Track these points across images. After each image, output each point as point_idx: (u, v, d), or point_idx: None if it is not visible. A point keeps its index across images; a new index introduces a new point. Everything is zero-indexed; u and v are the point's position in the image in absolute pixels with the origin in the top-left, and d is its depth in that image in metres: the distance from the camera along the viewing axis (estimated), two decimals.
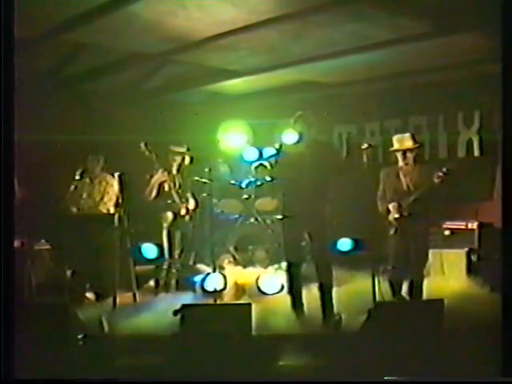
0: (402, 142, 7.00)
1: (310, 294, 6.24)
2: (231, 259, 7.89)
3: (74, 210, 7.47)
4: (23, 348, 4.17)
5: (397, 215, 6.72)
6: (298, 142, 6.20)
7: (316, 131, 6.21)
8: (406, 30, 7.19)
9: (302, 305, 6.14)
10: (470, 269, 7.83)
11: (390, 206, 6.80)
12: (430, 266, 7.32)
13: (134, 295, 6.88)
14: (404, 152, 6.92)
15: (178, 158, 7.66)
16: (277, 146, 6.36)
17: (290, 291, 6.26)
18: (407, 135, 7.09)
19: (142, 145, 7.32)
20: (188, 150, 7.67)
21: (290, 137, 6.59)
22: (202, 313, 4.96)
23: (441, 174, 6.56)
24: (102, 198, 7.53)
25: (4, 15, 4.05)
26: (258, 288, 7.16)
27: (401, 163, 6.96)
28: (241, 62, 8.75)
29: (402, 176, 6.91)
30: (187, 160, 7.65)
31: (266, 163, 7.88)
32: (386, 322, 4.87)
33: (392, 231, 6.78)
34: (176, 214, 7.55)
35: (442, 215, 8.03)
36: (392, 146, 7.12)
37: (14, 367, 3.94)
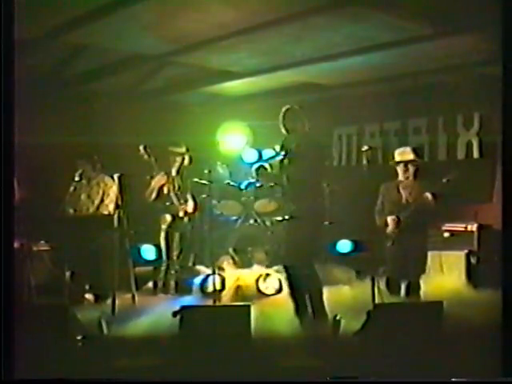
0: (403, 154, 7.04)
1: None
2: (230, 261, 7.89)
3: (73, 211, 7.47)
4: (23, 349, 4.16)
5: (395, 229, 6.77)
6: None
7: (306, 126, 6.06)
8: (405, 31, 7.19)
9: (299, 306, 6.09)
10: (470, 271, 7.83)
11: (389, 219, 6.83)
12: (430, 267, 7.33)
13: (133, 296, 6.87)
14: (405, 164, 6.95)
15: (178, 160, 7.66)
16: (277, 147, 6.26)
17: (290, 293, 6.23)
18: (409, 149, 7.14)
19: (141, 148, 7.31)
20: (187, 150, 7.66)
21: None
22: (200, 314, 4.95)
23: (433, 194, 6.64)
24: (102, 200, 7.53)
25: (4, 16, 4.05)
26: (258, 289, 7.17)
27: (401, 177, 6.99)
28: (241, 64, 8.75)
29: (401, 189, 6.95)
30: (187, 160, 7.65)
31: (266, 165, 7.88)
32: (385, 324, 4.86)
33: (390, 243, 6.83)
34: (175, 216, 7.54)
35: (443, 218, 8.05)
36: (392, 147, 7.15)
37: (14, 367, 3.94)
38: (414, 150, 7.11)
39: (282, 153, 6.06)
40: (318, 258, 7.48)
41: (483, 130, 8.84)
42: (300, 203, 5.94)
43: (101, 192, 7.55)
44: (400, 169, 7.02)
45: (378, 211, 7.03)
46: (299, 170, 5.94)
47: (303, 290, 5.96)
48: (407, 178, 6.97)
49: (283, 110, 6.07)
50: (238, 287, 7.26)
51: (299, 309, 5.97)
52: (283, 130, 6.07)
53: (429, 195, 6.72)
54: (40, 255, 7.19)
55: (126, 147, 7.72)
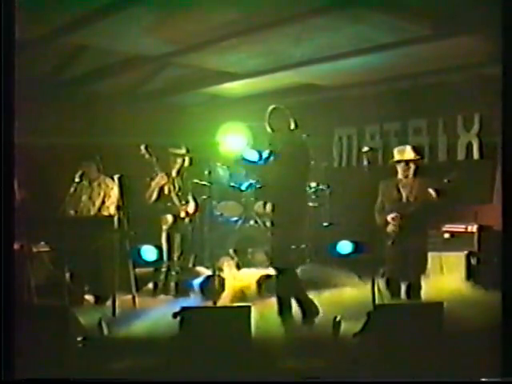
0: (403, 153, 7.02)
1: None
2: (231, 262, 7.88)
3: (74, 212, 7.47)
4: (23, 350, 4.16)
5: (396, 228, 6.74)
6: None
7: (292, 125, 6.01)
8: (405, 32, 7.20)
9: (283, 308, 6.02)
10: (470, 272, 7.83)
11: (389, 218, 6.81)
12: (430, 269, 7.33)
13: (134, 297, 6.87)
14: (406, 163, 6.92)
15: (178, 161, 7.66)
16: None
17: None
18: (408, 147, 7.12)
19: (143, 148, 7.30)
20: (188, 151, 7.66)
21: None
22: (201, 315, 4.95)
23: (437, 190, 6.61)
24: (103, 202, 7.52)
25: (4, 17, 4.05)
26: (258, 290, 7.17)
27: (400, 176, 6.96)
28: (241, 65, 8.76)
29: (401, 188, 6.92)
30: (187, 162, 7.64)
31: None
32: (385, 325, 4.86)
33: (390, 242, 6.80)
34: (176, 217, 7.54)
35: (443, 219, 8.05)
36: (392, 148, 7.14)
37: (14, 367, 3.94)
38: (414, 149, 7.08)
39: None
40: (318, 258, 7.51)
41: (483, 131, 8.85)
42: (283, 203, 5.91)
43: (102, 193, 7.55)
44: (400, 167, 6.99)
45: (378, 210, 7.00)
46: (284, 170, 5.90)
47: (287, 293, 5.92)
48: (407, 176, 6.94)
49: (269, 109, 6.07)
50: (239, 288, 7.25)
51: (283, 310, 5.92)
52: (269, 129, 6.07)
53: (432, 192, 6.67)
54: (40, 256, 7.18)
55: (127, 148, 7.73)
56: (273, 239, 6.12)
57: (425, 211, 6.78)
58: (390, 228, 6.82)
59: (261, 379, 4.44)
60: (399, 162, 6.99)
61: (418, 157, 7.01)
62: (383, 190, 7.05)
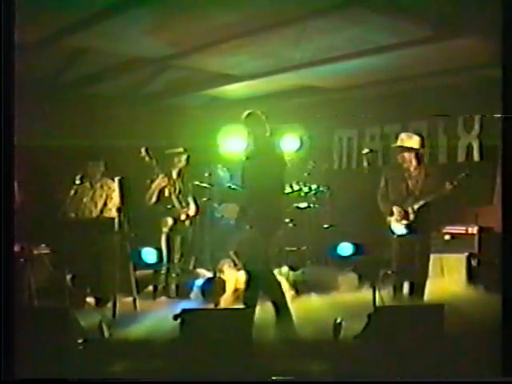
0: (402, 141, 6.98)
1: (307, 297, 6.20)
2: (231, 264, 7.88)
3: (74, 214, 7.47)
4: (23, 353, 4.16)
5: (401, 220, 6.69)
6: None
7: (267, 130, 5.98)
8: (406, 34, 7.20)
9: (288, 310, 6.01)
10: (470, 273, 7.82)
11: (394, 210, 6.77)
12: (431, 270, 7.32)
13: (134, 300, 6.87)
14: (401, 150, 6.89)
15: (179, 162, 7.65)
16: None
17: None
18: (405, 135, 7.08)
19: (143, 150, 7.30)
20: (185, 150, 7.65)
21: (290, 141, 6.64)
22: (201, 317, 4.95)
23: (452, 185, 6.57)
24: (105, 204, 7.51)
25: (4, 19, 4.06)
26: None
27: (400, 160, 6.90)
28: (241, 67, 8.76)
29: (407, 178, 6.87)
30: (185, 161, 7.64)
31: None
32: (386, 327, 4.86)
33: (396, 235, 6.76)
34: (176, 219, 7.54)
35: (444, 220, 8.05)
36: (392, 150, 7.12)
37: (14, 367, 3.94)
38: (412, 137, 7.03)
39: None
40: (319, 260, 7.48)
41: (484, 133, 8.84)
42: (256, 207, 5.88)
43: (104, 195, 7.54)
44: (399, 154, 6.95)
45: (382, 195, 6.94)
46: (258, 174, 5.88)
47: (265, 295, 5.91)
48: (407, 165, 6.88)
49: (245, 114, 6.05)
50: (239, 290, 7.25)
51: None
52: (246, 133, 6.07)
53: (448, 185, 6.61)
54: (41, 258, 7.18)
55: (127, 150, 7.73)
56: (246, 241, 6.11)
57: (432, 206, 6.72)
58: (394, 220, 6.76)
59: (261, 381, 4.44)
60: (398, 148, 6.96)
61: (410, 145, 6.92)
62: (387, 176, 6.98)
